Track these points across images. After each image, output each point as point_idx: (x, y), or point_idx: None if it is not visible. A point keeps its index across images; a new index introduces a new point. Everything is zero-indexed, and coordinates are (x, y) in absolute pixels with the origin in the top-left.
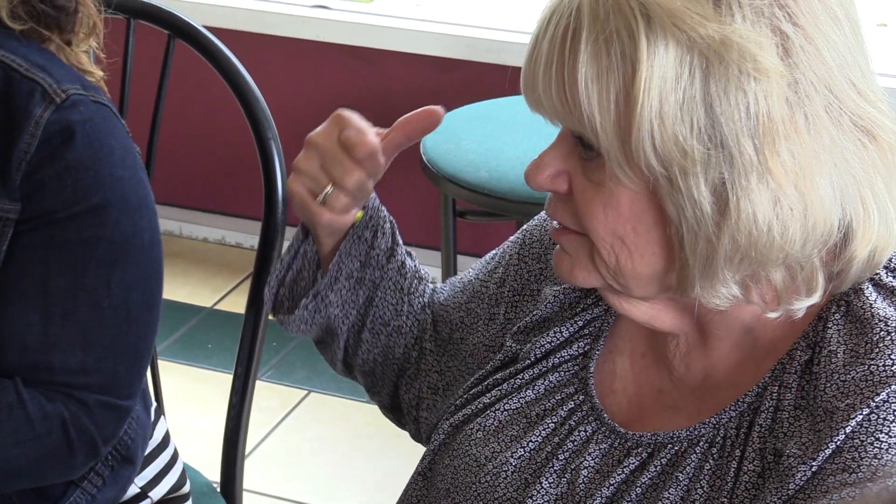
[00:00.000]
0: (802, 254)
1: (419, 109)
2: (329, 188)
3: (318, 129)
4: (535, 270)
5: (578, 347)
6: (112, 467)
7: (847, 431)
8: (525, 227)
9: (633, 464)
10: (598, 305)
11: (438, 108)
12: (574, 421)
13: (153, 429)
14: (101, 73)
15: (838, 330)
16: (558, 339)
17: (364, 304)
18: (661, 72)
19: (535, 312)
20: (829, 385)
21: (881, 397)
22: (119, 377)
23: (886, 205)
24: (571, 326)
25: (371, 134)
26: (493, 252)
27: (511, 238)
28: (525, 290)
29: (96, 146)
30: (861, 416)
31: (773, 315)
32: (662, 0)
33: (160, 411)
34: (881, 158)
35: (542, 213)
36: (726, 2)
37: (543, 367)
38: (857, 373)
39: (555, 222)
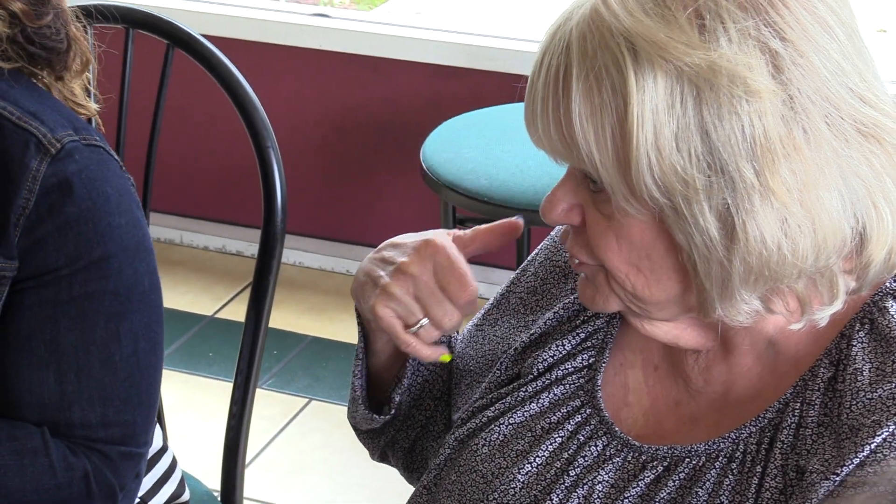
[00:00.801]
0: (816, 266)
1: (500, 221)
2: (424, 321)
3: (411, 256)
4: (531, 303)
5: (582, 360)
6: None
7: (872, 447)
8: (522, 265)
9: (648, 477)
10: (599, 317)
11: (519, 220)
12: (584, 435)
13: (152, 437)
14: (95, 107)
15: (863, 348)
16: (560, 353)
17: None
18: (653, 104)
19: (531, 331)
20: (854, 403)
21: None
22: (137, 426)
23: None
24: (573, 339)
25: (473, 279)
26: (490, 301)
27: (506, 282)
28: (520, 324)
29: (94, 196)
30: (887, 433)
31: (796, 326)
32: (647, 32)
33: (157, 419)
34: (888, 160)
35: (544, 243)
36: (711, 27)
37: (547, 380)
38: (884, 391)
39: None
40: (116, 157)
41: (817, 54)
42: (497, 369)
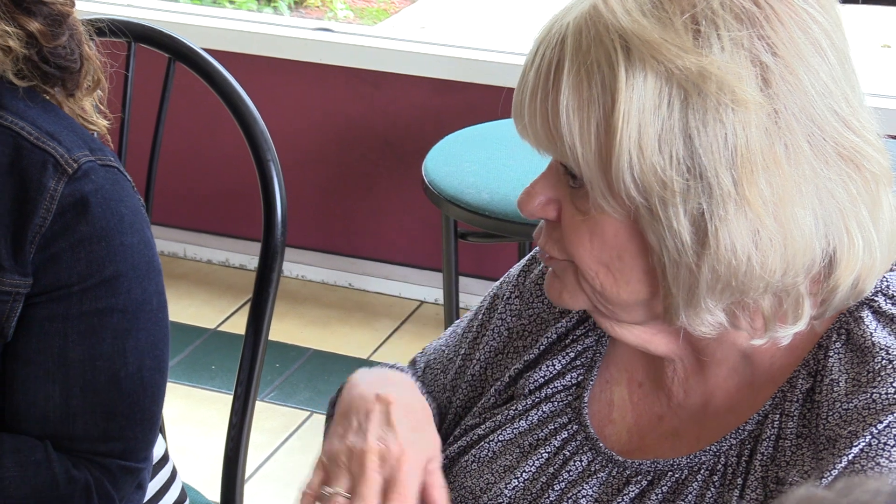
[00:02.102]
0: (783, 283)
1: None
2: (342, 490)
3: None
4: (518, 327)
5: (572, 378)
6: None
7: (849, 458)
8: (498, 290)
9: (632, 492)
10: (589, 336)
11: None
12: (569, 451)
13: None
14: (104, 123)
15: (839, 359)
16: (551, 372)
17: None
18: (640, 103)
19: (525, 358)
20: (831, 413)
21: (884, 424)
22: (138, 442)
23: (870, 233)
24: (563, 358)
25: None
26: (461, 322)
27: (481, 304)
28: (507, 349)
29: (108, 215)
30: (863, 443)
31: (757, 342)
32: (641, 32)
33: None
34: (865, 187)
35: (517, 268)
36: (706, 34)
37: (537, 397)
38: (860, 401)
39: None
40: (129, 177)
41: (807, 74)
42: (491, 396)
